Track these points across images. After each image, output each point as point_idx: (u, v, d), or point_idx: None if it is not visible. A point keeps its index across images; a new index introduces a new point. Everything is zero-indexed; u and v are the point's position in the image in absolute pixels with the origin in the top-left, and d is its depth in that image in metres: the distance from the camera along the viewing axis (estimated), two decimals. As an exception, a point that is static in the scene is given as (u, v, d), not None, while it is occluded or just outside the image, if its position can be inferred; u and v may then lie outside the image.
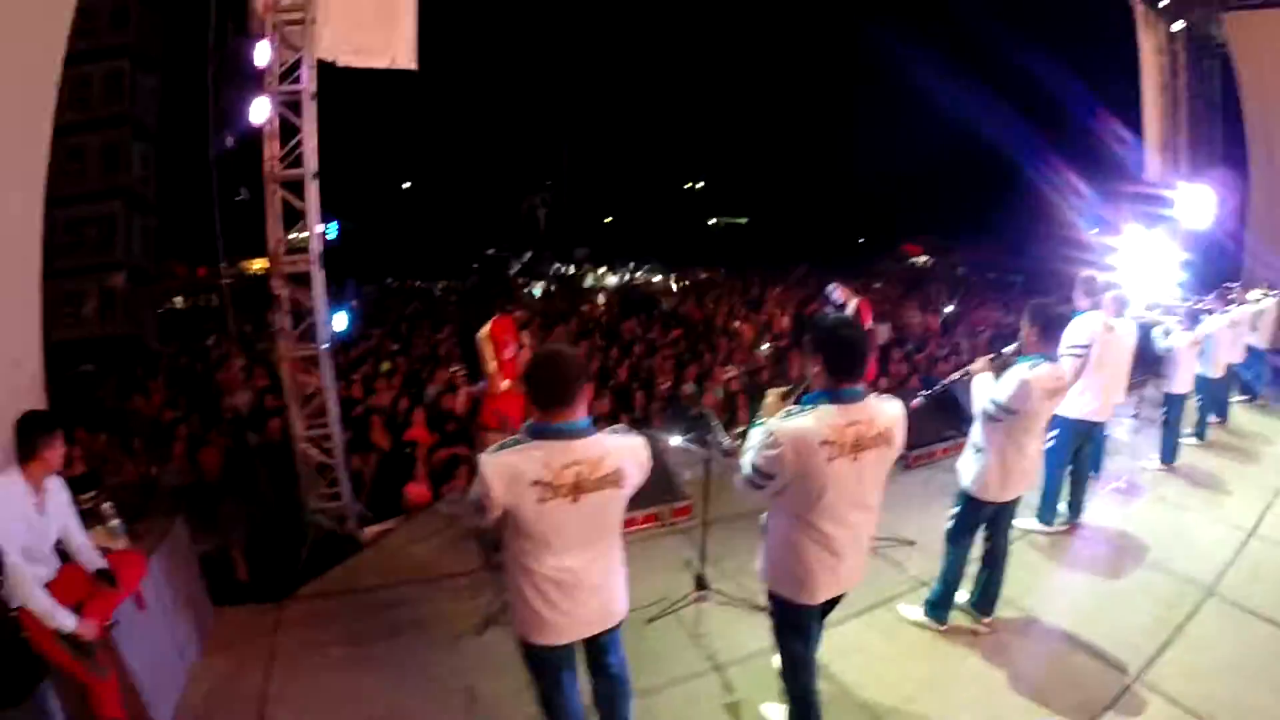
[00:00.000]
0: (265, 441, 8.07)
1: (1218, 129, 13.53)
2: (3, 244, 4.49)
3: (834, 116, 39.84)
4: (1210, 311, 8.13)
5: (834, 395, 3.09)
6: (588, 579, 3.04)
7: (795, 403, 3.21)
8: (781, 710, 3.83)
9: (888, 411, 3.18)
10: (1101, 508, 6.53)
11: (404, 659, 4.65)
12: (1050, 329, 4.39)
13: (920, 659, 4.50)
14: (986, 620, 4.75)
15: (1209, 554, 5.90)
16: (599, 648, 3.32)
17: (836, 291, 8.33)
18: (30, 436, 3.45)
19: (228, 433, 9.14)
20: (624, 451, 2.99)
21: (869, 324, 7.89)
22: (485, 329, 6.18)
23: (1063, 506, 6.18)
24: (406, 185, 41.21)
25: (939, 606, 4.75)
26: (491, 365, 6.16)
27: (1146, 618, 4.94)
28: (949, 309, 17.23)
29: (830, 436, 3.01)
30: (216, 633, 4.99)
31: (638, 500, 3.25)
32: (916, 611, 4.84)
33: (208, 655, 4.76)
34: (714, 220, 48.95)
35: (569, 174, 41.73)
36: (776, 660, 3.71)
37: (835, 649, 3.88)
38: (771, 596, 3.48)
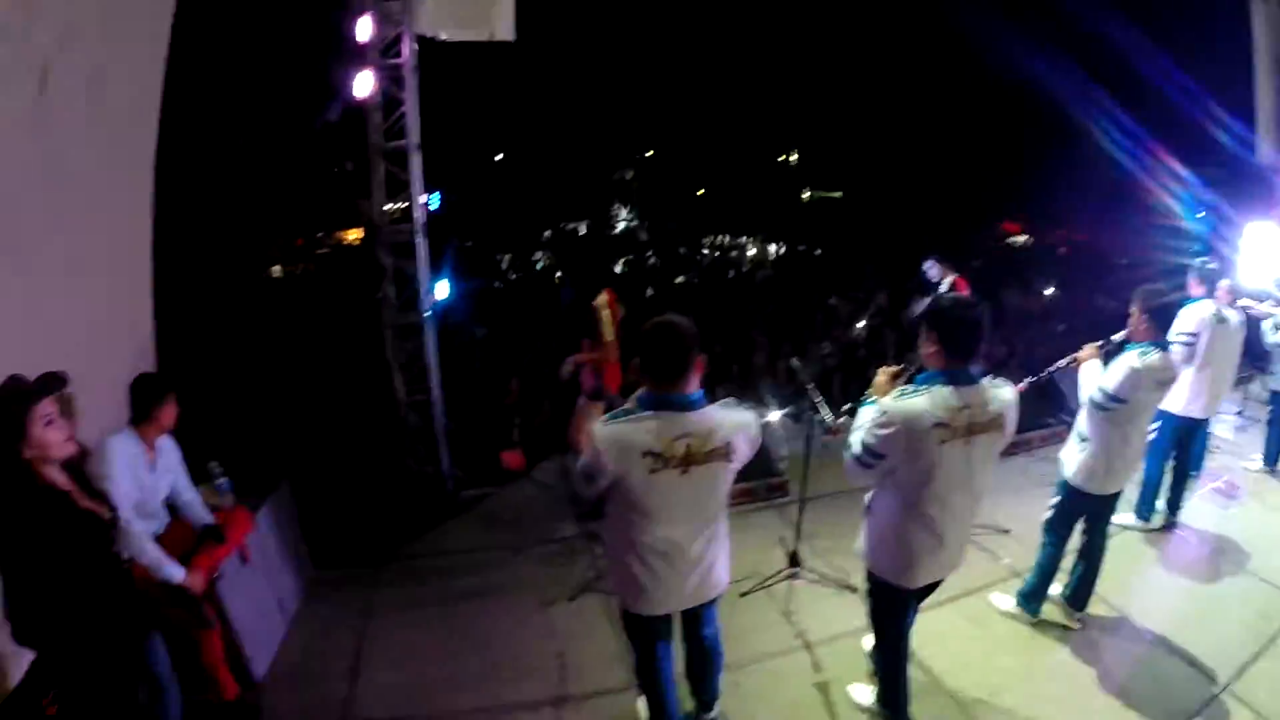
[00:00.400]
0: (367, 406, 8.28)
1: None
2: (117, 214, 4.64)
3: (929, 92, 38.84)
4: None
5: (949, 376, 3.01)
6: (691, 551, 3.04)
7: (907, 382, 3.14)
8: (869, 691, 3.84)
9: (1002, 396, 3.10)
10: (1200, 508, 6.25)
11: (496, 621, 4.74)
12: (1161, 316, 4.20)
13: (1009, 651, 4.42)
14: (1078, 615, 4.63)
15: None
16: (695, 618, 3.37)
17: (933, 269, 8.00)
18: (145, 399, 3.58)
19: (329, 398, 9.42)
20: (735, 425, 2.95)
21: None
22: (601, 297, 6.18)
23: (1161, 504, 5.94)
24: (499, 158, 41.54)
25: (1032, 598, 4.65)
26: (609, 333, 6.17)
27: (1239, 626, 4.71)
28: (1049, 291, 16.62)
29: (944, 419, 2.95)
30: (315, 589, 5.16)
31: (736, 475, 3.22)
32: (1009, 602, 4.75)
33: (306, 610, 4.93)
34: (807, 194, 48.27)
35: (661, 145, 41.62)
36: (868, 641, 3.71)
37: (925, 635, 3.82)
38: (870, 576, 3.45)
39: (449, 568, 5.40)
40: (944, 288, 7.55)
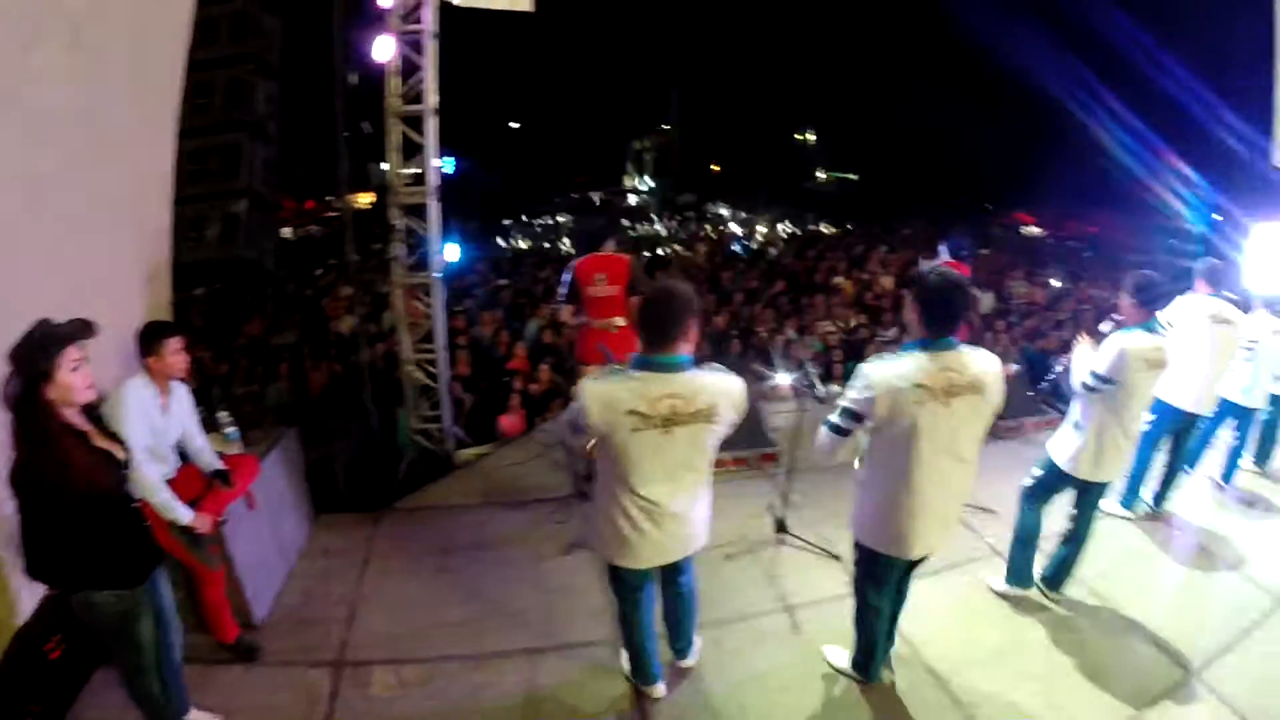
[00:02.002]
0: (370, 364, 8.42)
1: None
2: (137, 172, 4.74)
3: (949, 84, 38.62)
4: None
5: (927, 343, 3.12)
6: (672, 508, 3.15)
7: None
8: (844, 654, 3.96)
9: (980, 361, 3.18)
10: (1188, 502, 6.37)
11: (487, 573, 4.88)
12: (1146, 298, 4.25)
13: (988, 627, 4.52)
14: (1053, 596, 4.73)
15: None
16: (673, 568, 3.51)
17: (945, 250, 7.82)
18: (153, 336, 3.66)
19: (332, 356, 9.57)
20: (720, 390, 3.05)
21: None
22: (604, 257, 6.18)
23: (1148, 494, 6.03)
24: (515, 125, 41.51)
25: (1019, 572, 4.74)
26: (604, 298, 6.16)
27: (1214, 618, 4.83)
28: (1056, 283, 16.64)
29: (921, 380, 3.05)
30: (316, 537, 5.30)
31: (728, 443, 3.31)
32: (1000, 583, 4.82)
33: (307, 557, 5.07)
34: (823, 175, 48.12)
35: (679, 120, 41.52)
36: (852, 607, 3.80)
37: (908, 607, 3.91)
38: (857, 545, 3.54)
39: (446, 521, 5.52)
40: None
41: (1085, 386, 4.30)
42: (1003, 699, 3.95)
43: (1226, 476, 6.61)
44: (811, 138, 48.46)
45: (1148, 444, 5.63)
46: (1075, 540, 4.63)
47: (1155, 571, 5.39)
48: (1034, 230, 35.66)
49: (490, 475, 6.31)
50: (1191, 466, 6.42)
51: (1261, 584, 5.29)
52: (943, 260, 7.11)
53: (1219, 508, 6.34)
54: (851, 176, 47.29)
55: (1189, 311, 5.66)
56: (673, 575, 3.58)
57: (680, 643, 3.88)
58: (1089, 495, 4.51)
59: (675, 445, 3.01)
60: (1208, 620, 4.79)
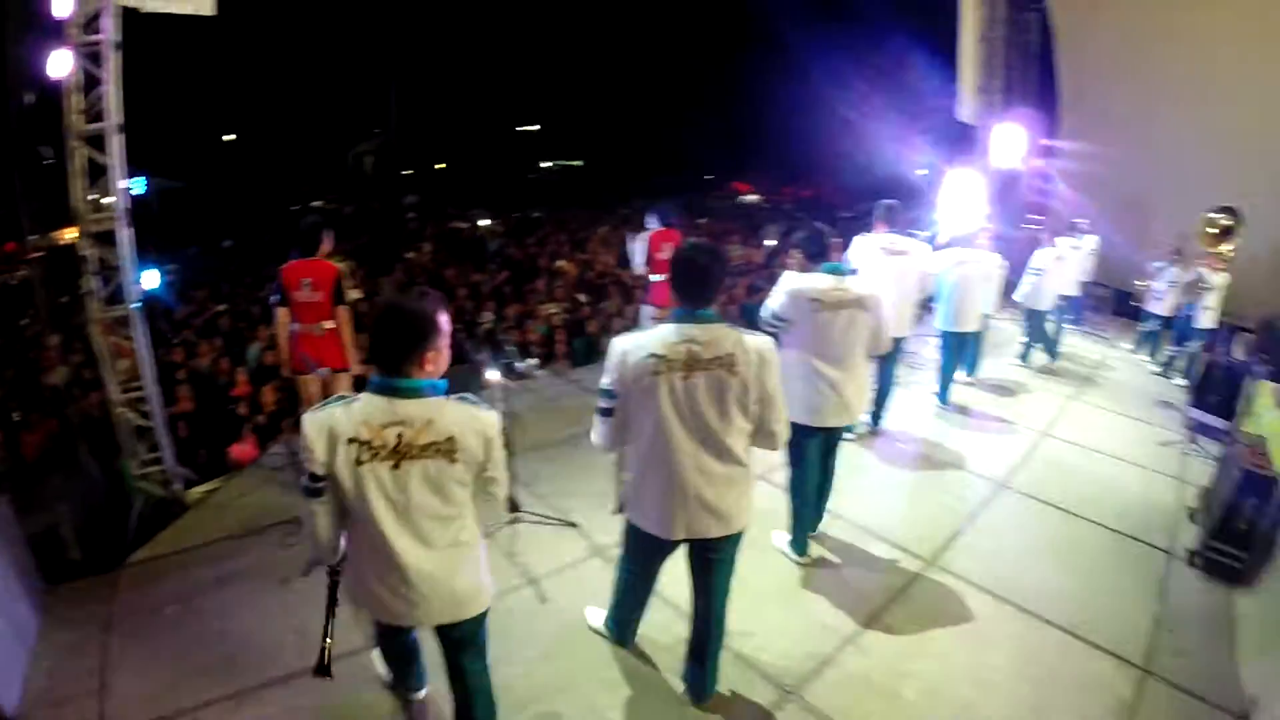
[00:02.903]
0: (85, 415, 7.92)
1: (1033, 77, 14.44)
2: None
3: (664, 59, 40.14)
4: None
5: (679, 315, 3.17)
6: (422, 571, 2.74)
7: None
8: (600, 613, 4.19)
9: (742, 341, 3.15)
10: (905, 416, 7.34)
11: (234, 607, 4.76)
12: (812, 251, 4.63)
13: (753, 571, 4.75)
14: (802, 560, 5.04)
15: (1004, 454, 6.81)
16: (454, 644, 3.12)
17: (652, 220, 7.94)
18: None
19: (47, 412, 8.92)
20: (463, 420, 2.67)
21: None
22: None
23: (865, 416, 6.91)
24: (230, 138, 39.14)
25: (795, 539, 5.07)
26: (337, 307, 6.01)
27: (944, 512, 5.67)
28: (771, 242, 17.99)
29: (661, 351, 3.08)
30: (52, 610, 4.94)
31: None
32: (783, 538, 5.15)
33: (46, 633, 4.73)
34: (549, 164, 48.67)
35: (397, 120, 40.60)
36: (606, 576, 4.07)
37: (675, 574, 3.83)
38: (626, 522, 3.56)
39: (185, 564, 5.31)
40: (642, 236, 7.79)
41: (764, 324, 4.62)
42: (754, 623, 4.36)
43: (942, 395, 7.87)
44: (535, 128, 48.78)
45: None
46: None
47: (880, 483, 6.15)
48: (751, 198, 38.04)
49: (225, 509, 6.12)
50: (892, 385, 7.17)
51: (982, 475, 6.35)
52: (652, 230, 7.54)
53: (937, 418, 7.44)
54: (576, 164, 48.25)
55: (864, 248, 6.46)
56: (454, 655, 3.13)
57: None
58: (825, 441, 4.90)
59: (406, 484, 2.64)
60: (939, 515, 5.59)
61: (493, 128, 44.90)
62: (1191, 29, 11.55)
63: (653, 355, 3.08)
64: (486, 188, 35.79)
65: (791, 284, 4.53)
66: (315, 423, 2.61)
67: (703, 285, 3.17)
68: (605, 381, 3.24)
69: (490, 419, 2.73)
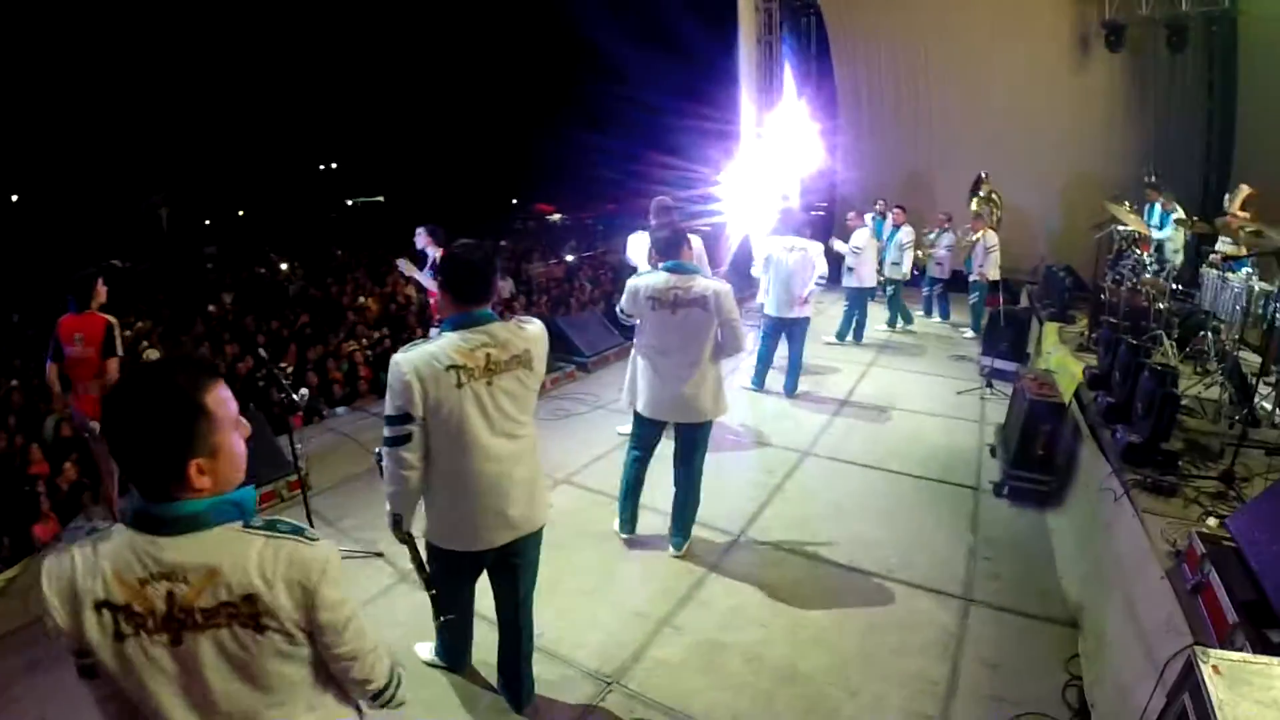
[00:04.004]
0: None
1: (810, 76, 15.30)
2: None
3: (461, 90, 40.25)
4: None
5: (459, 320, 2.93)
6: None
7: None
8: (429, 647, 3.90)
9: (525, 333, 3.05)
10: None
11: (53, 692, 4.26)
12: (660, 247, 4.76)
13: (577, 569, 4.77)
14: (678, 553, 4.96)
15: (809, 426, 6.95)
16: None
17: (420, 238, 7.53)
18: None
19: None
20: (269, 563, 1.65)
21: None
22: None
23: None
24: (14, 199, 36.24)
25: (624, 520, 5.10)
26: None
27: (748, 486, 5.66)
28: (570, 258, 18.40)
29: (458, 360, 2.85)
30: None
31: (258, 480, 2.93)
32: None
33: None
34: (350, 202, 47.78)
35: (191, 168, 38.70)
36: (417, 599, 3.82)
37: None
38: (429, 545, 3.25)
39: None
40: (431, 261, 7.49)
41: (620, 318, 4.85)
42: (567, 621, 4.21)
43: (757, 380, 8.04)
44: (334, 166, 47.92)
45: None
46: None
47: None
48: (555, 217, 38.65)
49: (29, 591, 5.54)
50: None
51: (789, 447, 6.45)
52: (420, 244, 7.30)
53: (749, 403, 7.55)
54: (378, 199, 47.60)
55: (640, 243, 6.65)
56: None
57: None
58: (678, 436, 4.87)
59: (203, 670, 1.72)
60: (746, 490, 5.60)
61: (292, 169, 43.63)
62: (950, 20, 13.04)
63: (452, 366, 2.84)
64: (288, 230, 34.56)
65: (633, 281, 4.67)
66: (53, 577, 1.62)
67: (481, 284, 2.97)
68: (395, 406, 2.86)
69: (318, 555, 1.72)
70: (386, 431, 2.89)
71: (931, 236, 11.51)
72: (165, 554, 1.58)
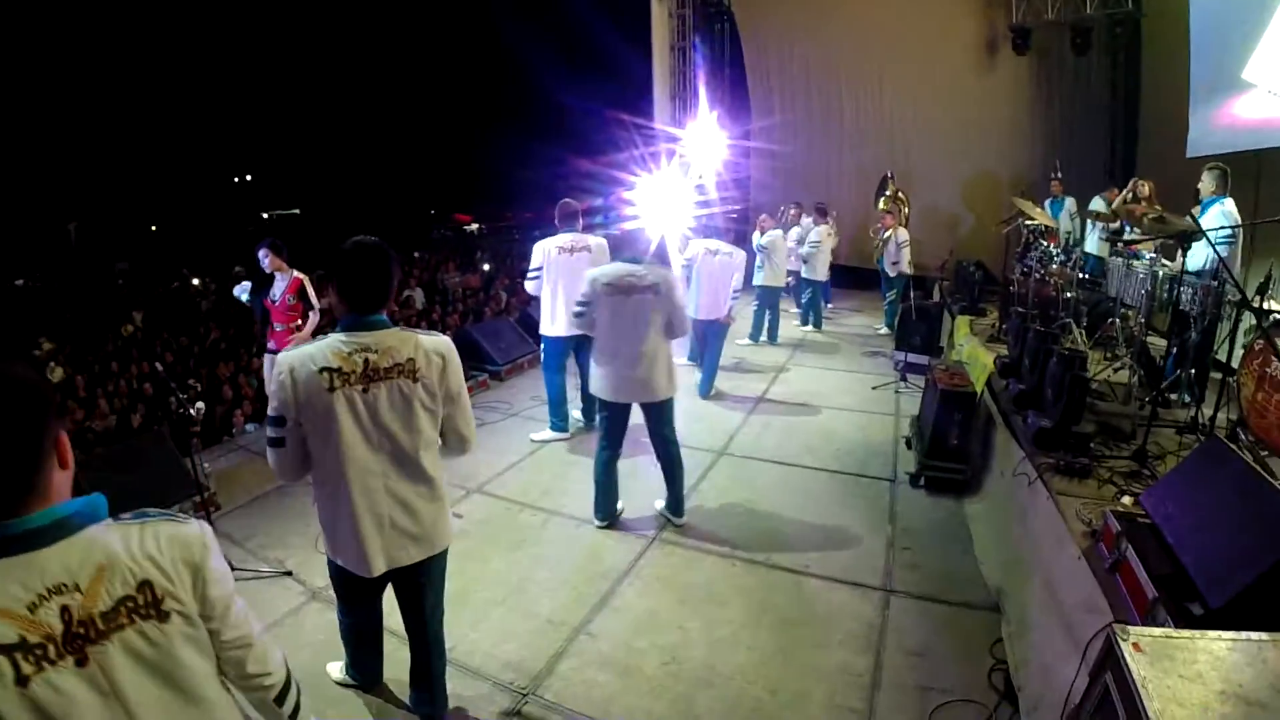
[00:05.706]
0: None
1: (723, 81, 15.41)
2: None
3: (378, 100, 39.80)
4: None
5: (345, 323, 2.77)
6: None
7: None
8: (339, 666, 3.71)
9: (418, 341, 2.84)
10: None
11: None
12: (612, 243, 5.36)
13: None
14: (679, 521, 5.20)
15: (722, 428, 6.91)
16: None
17: (266, 260, 6.98)
18: None
19: None
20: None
21: (318, 300, 7.20)
22: None
23: (577, 413, 6.93)
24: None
25: (600, 509, 5.25)
26: None
27: (661, 488, 5.47)
28: (487, 267, 18.33)
29: (333, 364, 2.69)
30: None
31: (163, 502, 2.67)
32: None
33: None
34: (266, 215, 46.78)
35: (101, 181, 37.38)
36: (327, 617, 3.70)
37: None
38: (330, 563, 3.09)
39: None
40: (280, 285, 7.04)
41: (575, 307, 5.07)
42: (478, 634, 4.08)
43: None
44: (249, 178, 47.06)
45: (546, 366, 6.66)
46: (667, 465, 5.22)
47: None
48: (472, 226, 38.50)
49: None
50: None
51: (703, 448, 6.42)
52: (265, 265, 6.89)
53: None
54: (293, 211, 46.81)
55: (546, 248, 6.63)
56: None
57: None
58: (649, 418, 5.13)
59: None
60: (658, 493, 5.44)
61: (207, 180, 42.56)
62: (860, 26, 13.36)
63: (325, 369, 2.67)
64: (203, 244, 33.56)
65: (591, 272, 5.00)
66: None
67: (374, 287, 2.78)
68: (273, 406, 2.75)
69: (194, 531, 1.61)
70: (268, 431, 2.77)
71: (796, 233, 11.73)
72: (49, 566, 1.39)
